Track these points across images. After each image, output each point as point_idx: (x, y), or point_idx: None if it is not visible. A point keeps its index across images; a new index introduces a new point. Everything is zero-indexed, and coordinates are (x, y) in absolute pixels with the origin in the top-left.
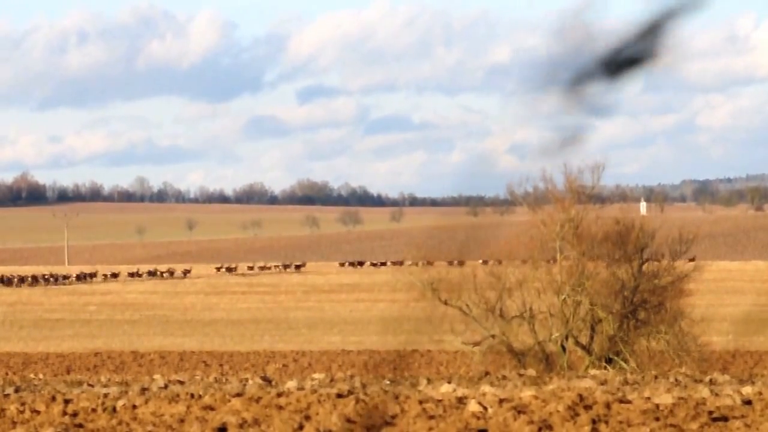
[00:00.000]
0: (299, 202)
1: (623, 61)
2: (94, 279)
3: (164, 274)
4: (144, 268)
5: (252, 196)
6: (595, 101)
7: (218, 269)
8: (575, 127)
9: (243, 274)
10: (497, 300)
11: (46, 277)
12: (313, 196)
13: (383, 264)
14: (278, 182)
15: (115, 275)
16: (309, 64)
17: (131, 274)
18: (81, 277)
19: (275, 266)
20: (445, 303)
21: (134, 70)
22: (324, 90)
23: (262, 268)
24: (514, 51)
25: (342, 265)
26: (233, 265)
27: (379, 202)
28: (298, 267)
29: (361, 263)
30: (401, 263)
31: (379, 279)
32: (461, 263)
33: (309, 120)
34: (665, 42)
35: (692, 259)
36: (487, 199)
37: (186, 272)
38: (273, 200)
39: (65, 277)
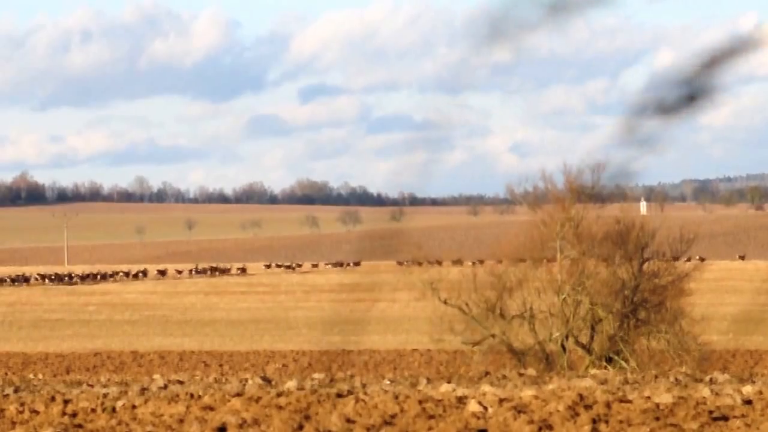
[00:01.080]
0: (299, 202)
1: (680, 100)
2: (139, 277)
3: (215, 273)
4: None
5: (251, 196)
6: (648, 137)
7: (277, 266)
8: (626, 161)
9: (303, 272)
10: (497, 299)
11: (95, 275)
12: (312, 196)
13: (357, 264)
14: (278, 182)
15: (162, 272)
16: (311, 63)
17: (179, 272)
18: (127, 275)
19: (331, 264)
20: (445, 302)
21: (137, 69)
22: (326, 89)
23: (314, 266)
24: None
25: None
26: (293, 264)
27: (379, 202)
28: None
29: (340, 264)
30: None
31: (378, 279)
32: (461, 263)
33: (311, 119)
34: (721, 81)
35: (702, 259)
36: (486, 199)
37: (241, 270)
38: (273, 200)
39: (113, 274)
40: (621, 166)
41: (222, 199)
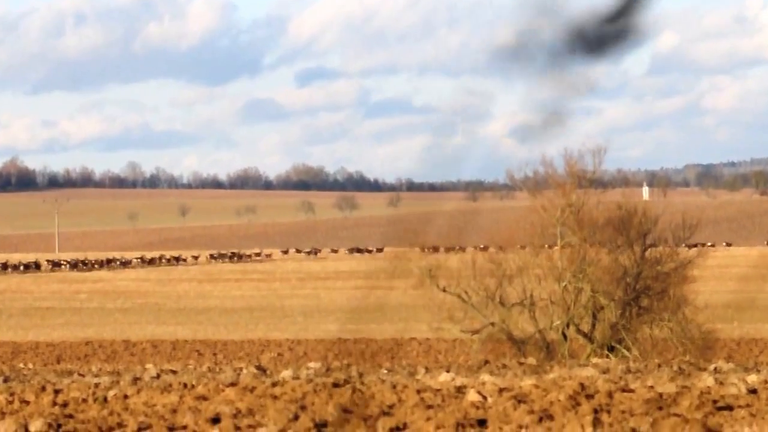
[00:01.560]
0: (294, 188)
1: (603, 36)
2: (181, 262)
3: (245, 257)
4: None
5: (246, 182)
6: (577, 81)
7: (297, 251)
8: (558, 107)
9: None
10: (497, 287)
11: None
12: (308, 181)
13: (380, 250)
14: (274, 167)
15: (229, 255)
16: (309, 47)
17: (231, 256)
18: (175, 259)
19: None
20: (444, 290)
21: (131, 52)
22: (324, 72)
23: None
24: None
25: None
26: (312, 250)
27: (376, 187)
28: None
29: (359, 250)
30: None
31: (376, 266)
32: (460, 250)
33: (308, 103)
34: (642, 16)
35: (712, 245)
36: (486, 184)
37: (266, 256)
38: (268, 185)
39: (108, 261)
40: (552, 111)
41: (216, 184)
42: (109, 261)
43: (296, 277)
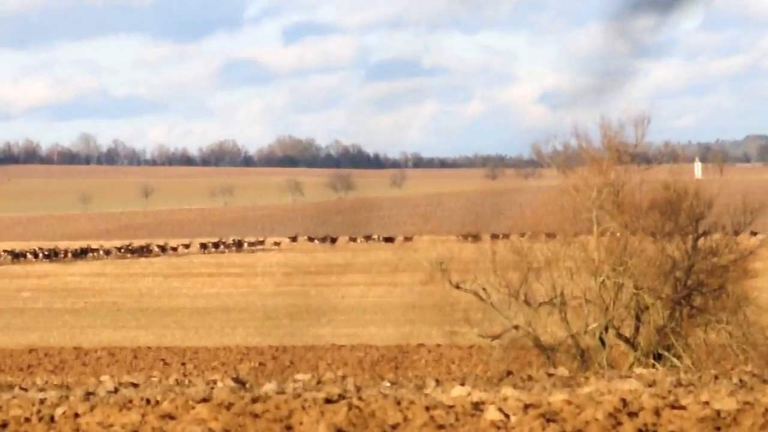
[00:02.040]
0: (279, 164)
1: None
2: (144, 253)
3: (248, 245)
4: (147, 242)
5: (222, 157)
6: (643, 38)
7: (310, 239)
8: (620, 70)
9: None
10: (521, 283)
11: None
12: (296, 157)
13: (387, 239)
14: (255, 140)
15: (240, 244)
16: None
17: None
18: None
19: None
20: (458, 287)
21: (86, 3)
22: (316, 27)
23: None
24: None
25: (332, 241)
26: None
27: (377, 163)
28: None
29: (353, 239)
30: (406, 238)
31: (376, 258)
32: (476, 238)
33: (297, 64)
34: None
35: None
36: (508, 160)
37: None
38: (248, 162)
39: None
40: (612, 74)
41: (186, 160)
42: (57, 252)
43: (282, 272)
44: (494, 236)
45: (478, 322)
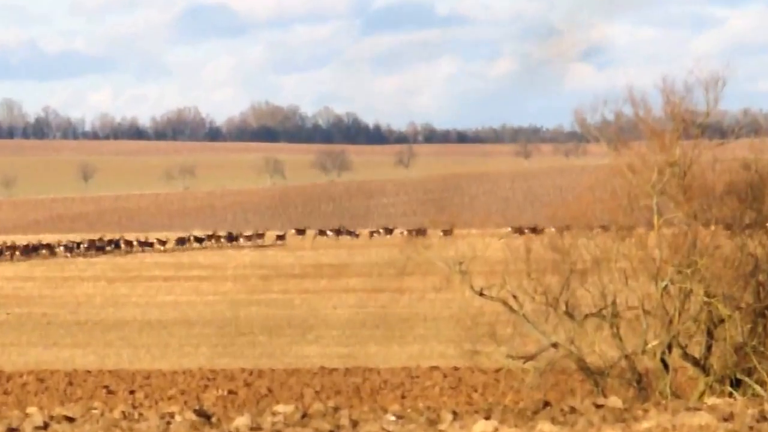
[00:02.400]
0: (254, 138)
1: None
2: (78, 251)
3: (244, 239)
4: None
5: (181, 129)
6: None
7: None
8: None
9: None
10: (562, 289)
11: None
12: (275, 129)
13: (387, 231)
14: (224, 107)
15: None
16: None
17: (181, 240)
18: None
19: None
20: (481, 294)
21: None
22: None
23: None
24: None
25: (321, 233)
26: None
27: (378, 137)
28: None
29: (350, 232)
30: (413, 232)
31: (378, 257)
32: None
33: (277, 12)
34: None
35: None
36: (544, 133)
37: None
38: (214, 135)
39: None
40: None
41: (136, 133)
42: None
43: (258, 274)
44: (527, 230)
45: (507, 339)
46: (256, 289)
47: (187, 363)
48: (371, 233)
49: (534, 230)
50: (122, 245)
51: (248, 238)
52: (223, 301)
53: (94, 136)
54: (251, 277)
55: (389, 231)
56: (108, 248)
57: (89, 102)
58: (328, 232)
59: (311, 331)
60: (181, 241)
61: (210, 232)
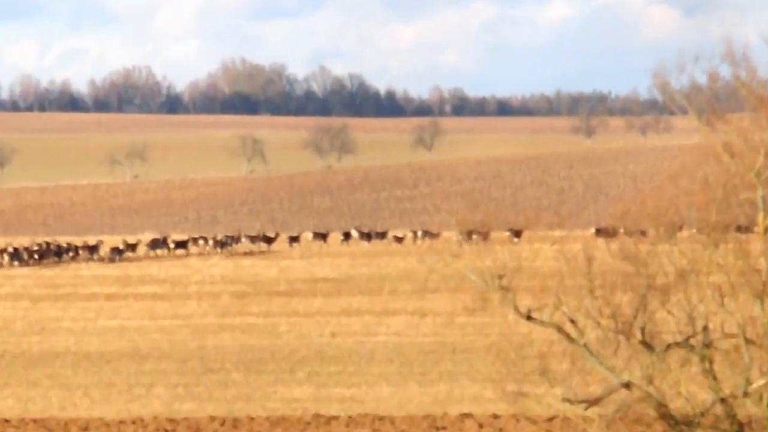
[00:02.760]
0: (225, 109)
1: None
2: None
3: (256, 242)
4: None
5: (129, 97)
6: None
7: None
8: None
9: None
10: (637, 311)
11: None
12: (253, 96)
13: (398, 239)
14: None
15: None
16: None
17: (155, 243)
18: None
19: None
20: (529, 317)
21: None
22: None
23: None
24: None
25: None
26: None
27: (391, 108)
28: (269, 240)
29: (380, 234)
30: (438, 235)
31: (391, 268)
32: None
33: None
34: None
35: None
36: (612, 101)
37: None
38: (173, 104)
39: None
40: None
41: (69, 103)
42: None
43: (231, 291)
44: (591, 233)
45: (564, 377)
46: (229, 311)
47: (137, 409)
48: (414, 235)
49: (599, 232)
50: (51, 253)
51: (252, 239)
52: (185, 327)
53: (12, 106)
54: (222, 295)
55: (432, 235)
56: (31, 257)
57: (5, 61)
58: (353, 233)
59: (302, 366)
60: (154, 244)
61: (196, 235)
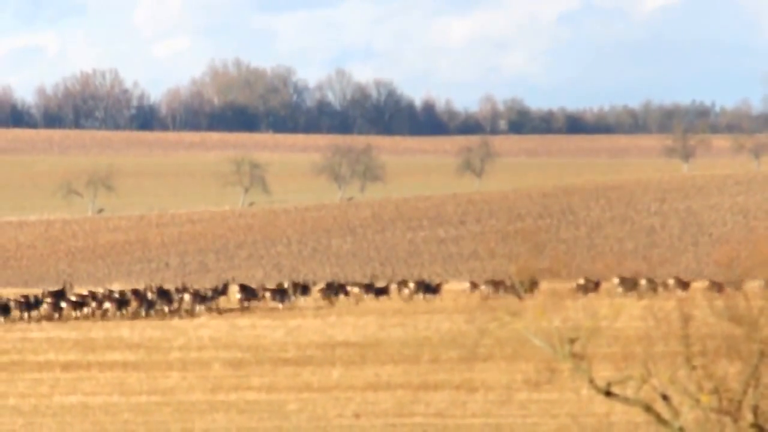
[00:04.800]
0: (216, 125)
1: None
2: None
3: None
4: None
5: (90, 110)
6: None
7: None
8: None
9: None
10: (747, 385)
11: None
12: (251, 108)
13: (430, 289)
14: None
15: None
16: None
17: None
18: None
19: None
20: (608, 393)
21: None
22: None
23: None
24: None
25: (329, 290)
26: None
27: (430, 124)
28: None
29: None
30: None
31: (430, 329)
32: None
33: None
34: None
35: None
36: (717, 115)
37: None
38: (146, 119)
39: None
40: None
41: (12, 116)
42: None
43: (225, 359)
44: (686, 284)
45: None
46: (222, 385)
47: None
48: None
49: (698, 284)
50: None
51: (77, 305)
52: (166, 406)
53: None
54: (213, 364)
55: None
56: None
57: None
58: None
59: None
60: (163, 295)
61: (173, 286)
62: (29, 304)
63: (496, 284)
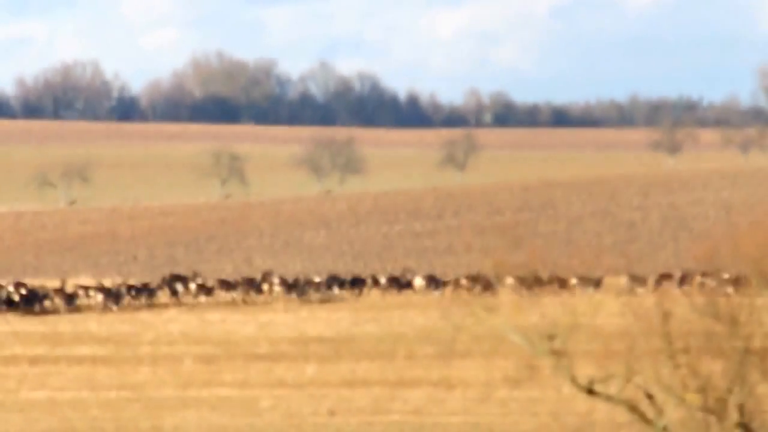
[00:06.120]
0: (197, 116)
1: None
2: None
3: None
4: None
5: (70, 101)
6: None
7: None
8: None
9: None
10: (732, 382)
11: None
12: (232, 100)
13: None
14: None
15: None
16: None
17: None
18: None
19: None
20: (590, 391)
21: None
22: None
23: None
24: None
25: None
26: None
27: (413, 116)
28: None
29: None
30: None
31: (406, 325)
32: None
33: None
34: None
35: None
36: (705, 109)
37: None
38: (126, 110)
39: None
40: None
41: None
42: None
43: (195, 354)
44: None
45: None
46: (193, 380)
47: None
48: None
49: (682, 280)
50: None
51: (316, 286)
52: (136, 401)
53: None
54: (184, 359)
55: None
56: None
57: None
58: (381, 280)
59: None
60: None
61: (232, 279)
62: None
63: (474, 279)
